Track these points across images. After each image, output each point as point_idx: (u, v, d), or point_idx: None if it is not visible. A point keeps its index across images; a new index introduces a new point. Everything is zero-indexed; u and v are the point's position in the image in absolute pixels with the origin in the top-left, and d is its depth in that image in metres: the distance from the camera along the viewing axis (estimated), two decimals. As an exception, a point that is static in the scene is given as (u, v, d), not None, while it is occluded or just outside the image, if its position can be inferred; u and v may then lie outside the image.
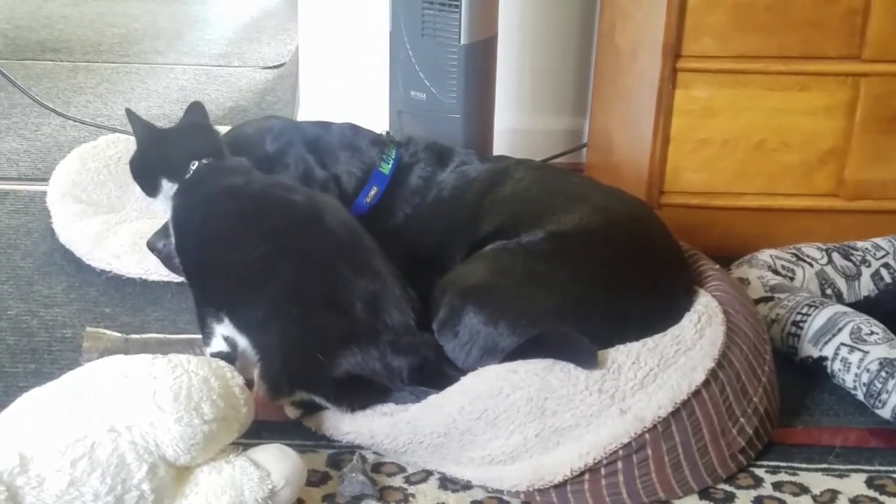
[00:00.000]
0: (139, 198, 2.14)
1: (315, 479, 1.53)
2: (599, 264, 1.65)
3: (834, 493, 1.55)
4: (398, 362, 1.57)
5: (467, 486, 1.54)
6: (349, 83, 2.62)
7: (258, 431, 1.52)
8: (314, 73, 2.66)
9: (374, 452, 1.60)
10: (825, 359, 1.77)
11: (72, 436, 1.30)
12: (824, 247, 2.04)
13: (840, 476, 1.59)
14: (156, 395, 1.34)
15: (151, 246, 1.87)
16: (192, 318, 1.72)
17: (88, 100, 2.96)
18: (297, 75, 2.77)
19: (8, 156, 2.58)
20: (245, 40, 3.59)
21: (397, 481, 1.55)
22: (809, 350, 1.79)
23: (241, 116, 2.80)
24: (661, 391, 1.51)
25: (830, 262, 2.01)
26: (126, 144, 2.29)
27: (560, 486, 1.50)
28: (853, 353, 1.72)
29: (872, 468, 1.61)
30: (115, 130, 2.65)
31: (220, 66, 3.31)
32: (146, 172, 1.76)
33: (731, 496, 1.54)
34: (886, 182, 2.14)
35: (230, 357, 1.62)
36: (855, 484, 1.57)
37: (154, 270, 2.00)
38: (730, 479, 1.57)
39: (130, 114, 1.80)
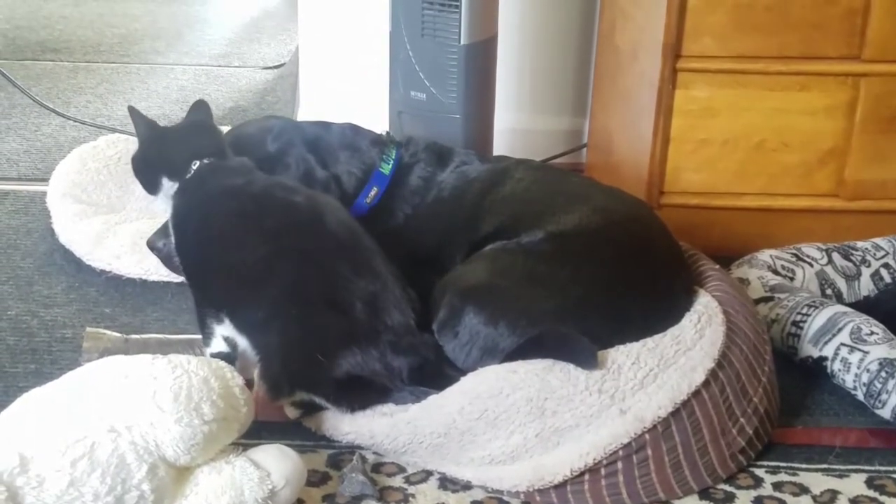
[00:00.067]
0: (139, 198, 2.15)
1: (315, 479, 1.53)
2: (599, 264, 1.65)
3: (834, 494, 1.55)
4: (398, 362, 1.57)
5: (467, 487, 1.54)
6: (349, 83, 2.62)
7: (258, 432, 1.52)
8: (314, 73, 2.66)
9: (374, 452, 1.60)
10: (825, 359, 1.77)
11: (72, 436, 1.30)
12: (824, 247, 2.04)
13: (840, 476, 1.59)
14: (156, 395, 1.34)
15: (151, 245, 1.87)
16: (192, 318, 1.72)
17: (88, 100, 2.96)
18: (297, 75, 2.77)
19: (8, 156, 2.58)
20: (245, 40, 3.59)
21: (397, 481, 1.55)
22: (809, 350, 1.79)
23: (242, 117, 2.80)
24: (661, 391, 1.51)
25: (830, 262, 2.01)
26: (126, 145, 2.29)
27: (560, 487, 1.50)
28: (853, 354, 1.72)
29: (872, 468, 1.61)
30: (115, 130, 2.65)
31: (220, 66, 3.31)
32: (147, 170, 1.76)
33: (731, 496, 1.54)
34: (886, 182, 2.14)
35: (230, 357, 1.62)
36: (855, 484, 1.57)
37: (154, 271, 2.00)
38: (730, 480, 1.57)
39: (133, 112, 1.80)
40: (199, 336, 1.68)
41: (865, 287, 2.00)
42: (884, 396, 1.67)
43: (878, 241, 2.06)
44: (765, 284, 1.90)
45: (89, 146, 2.33)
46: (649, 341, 1.57)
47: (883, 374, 1.68)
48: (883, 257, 2.03)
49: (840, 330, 1.75)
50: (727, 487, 1.56)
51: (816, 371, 1.79)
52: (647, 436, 1.49)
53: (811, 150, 2.11)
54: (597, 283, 1.62)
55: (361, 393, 1.57)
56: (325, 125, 1.96)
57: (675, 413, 1.51)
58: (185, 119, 1.83)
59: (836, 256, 2.02)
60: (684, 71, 2.05)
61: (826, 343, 1.76)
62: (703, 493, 1.54)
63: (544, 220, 1.72)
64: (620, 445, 1.49)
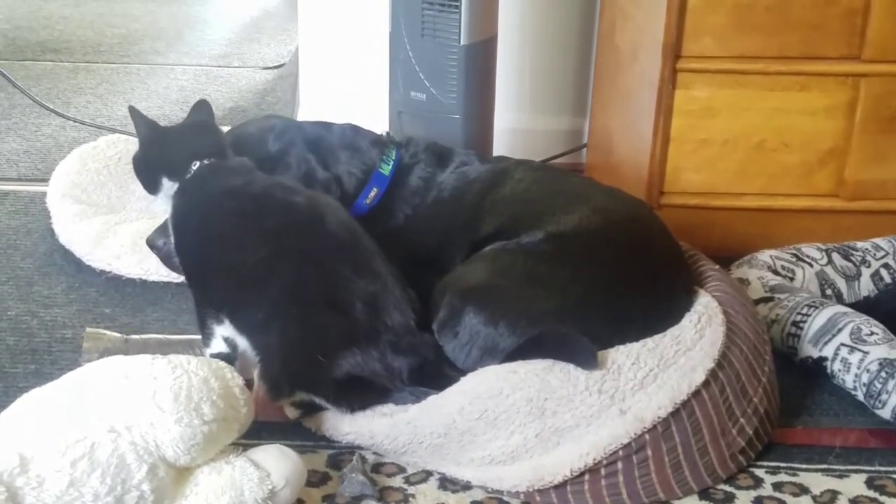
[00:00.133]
0: (139, 198, 2.15)
1: (315, 479, 1.53)
2: (599, 265, 1.65)
3: (834, 494, 1.55)
4: (398, 363, 1.57)
5: (467, 487, 1.54)
6: (349, 83, 2.62)
7: (258, 432, 1.52)
8: (314, 74, 2.66)
9: (374, 453, 1.60)
10: (825, 359, 1.77)
11: (72, 436, 1.30)
12: (824, 247, 2.04)
13: (840, 476, 1.59)
14: (156, 395, 1.34)
15: (151, 243, 1.87)
16: (192, 318, 1.72)
17: (88, 100, 2.96)
18: (297, 75, 2.77)
19: (8, 156, 2.58)
20: (245, 41, 3.59)
21: (397, 482, 1.55)
22: (809, 350, 1.79)
23: (241, 117, 2.80)
24: (661, 391, 1.51)
25: (830, 262, 2.01)
26: (126, 145, 2.29)
27: (560, 487, 1.50)
28: (853, 354, 1.72)
29: (872, 468, 1.61)
30: (115, 131, 2.65)
31: (220, 66, 3.31)
32: (148, 171, 1.76)
33: (731, 496, 1.54)
34: (886, 182, 2.14)
35: (230, 358, 1.62)
36: (855, 484, 1.57)
37: (154, 271, 2.00)
38: (730, 480, 1.57)
39: (134, 112, 1.80)
40: (199, 336, 1.68)
41: (865, 287, 2.00)
42: (884, 397, 1.67)
43: (878, 241, 2.06)
44: (765, 285, 1.90)
45: (89, 146, 2.33)
46: (649, 341, 1.57)
47: (883, 374, 1.68)
48: (883, 257, 2.03)
49: (840, 330, 1.75)
50: (727, 488, 1.56)
51: (816, 371, 1.79)
52: (647, 436, 1.49)
53: (811, 151, 2.11)
54: (597, 284, 1.62)
55: (361, 393, 1.57)
56: (326, 125, 1.96)
57: (675, 413, 1.51)
58: (187, 119, 1.83)
59: (836, 257, 2.02)
60: (684, 71, 2.05)
61: (826, 343, 1.76)
62: (703, 494, 1.54)
63: (544, 221, 1.72)
64: (620, 446, 1.49)
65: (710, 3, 2.00)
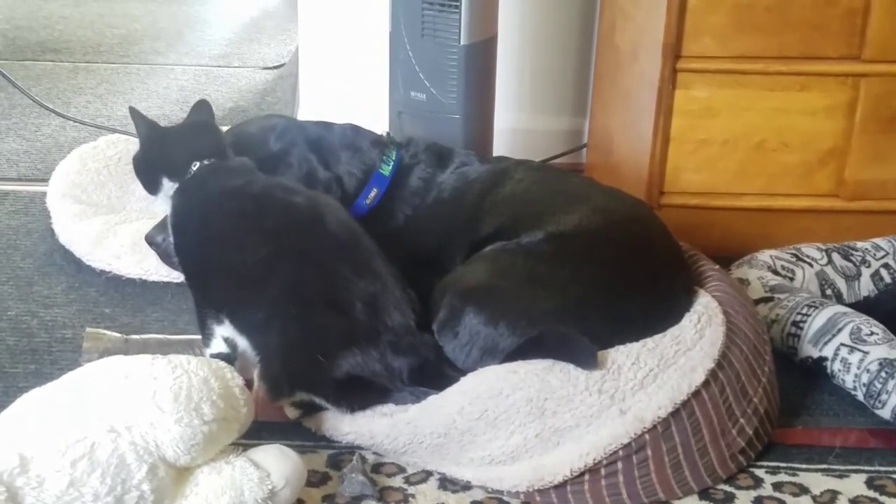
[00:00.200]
0: (139, 198, 2.15)
1: (315, 479, 1.53)
2: (599, 265, 1.65)
3: (834, 494, 1.55)
4: (398, 363, 1.57)
5: (467, 487, 1.54)
6: (349, 83, 2.62)
7: (258, 432, 1.52)
8: (314, 74, 2.66)
9: (374, 453, 1.60)
10: (825, 359, 1.77)
11: (72, 436, 1.30)
12: (824, 247, 2.04)
13: (840, 476, 1.59)
14: (156, 395, 1.34)
15: (150, 239, 1.87)
16: (192, 318, 1.72)
17: (88, 100, 2.96)
18: (297, 75, 2.77)
19: (8, 156, 2.58)
20: (245, 41, 3.59)
21: (397, 482, 1.55)
22: (809, 350, 1.79)
23: (241, 117, 2.80)
24: (661, 391, 1.51)
25: (830, 262, 2.01)
26: (126, 145, 2.29)
27: (560, 487, 1.50)
28: (853, 354, 1.72)
29: (872, 468, 1.61)
30: (115, 131, 2.65)
31: (220, 66, 3.31)
32: (148, 171, 1.76)
33: (731, 497, 1.54)
34: (886, 182, 2.14)
35: (230, 358, 1.62)
36: (855, 484, 1.57)
37: (154, 271, 2.00)
38: (730, 480, 1.57)
39: (134, 112, 1.80)
40: (199, 336, 1.68)
41: (865, 287, 2.00)
42: (884, 397, 1.67)
43: (878, 241, 2.06)
44: (765, 285, 1.90)
45: (89, 146, 2.33)
46: (649, 341, 1.57)
47: (883, 374, 1.68)
48: (883, 258, 2.03)
49: (840, 330, 1.76)
50: (727, 488, 1.56)
51: (816, 371, 1.79)
52: (647, 436, 1.49)
53: (811, 151, 2.11)
54: (597, 284, 1.62)
55: (361, 393, 1.57)
56: (327, 125, 1.96)
57: (675, 413, 1.51)
58: (187, 119, 1.83)
59: (835, 257, 2.02)
60: (684, 71, 2.05)
61: (826, 343, 1.76)
62: (703, 494, 1.54)
63: (544, 221, 1.72)
64: (620, 446, 1.49)
65: (710, 3, 2.00)
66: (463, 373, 1.57)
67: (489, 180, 1.86)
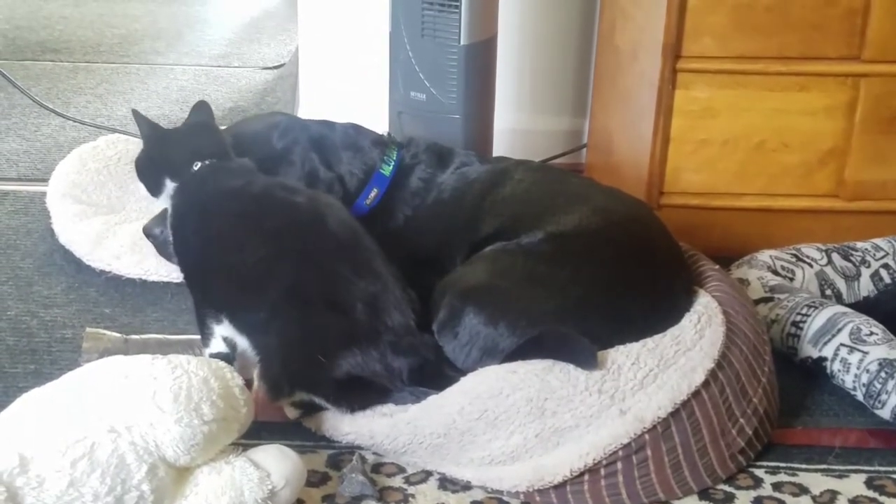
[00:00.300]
0: (139, 198, 2.14)
1: (315, 479, 1.53)
2: (599, 265, 1.65)
3: (833, 494, 1.55)
4: (398, 363, 1.57)
5: (467, 487, 1.54)
6: (349, 83, 2.62)
7: (258, 432, 1.52)
8: (314, 74, 2.66)
9: (374, 453, 1.60)
10: (825, 359, 1.77)
11: (72, 436, 1.30)
12: (824, 247, 2.04)
13: (840, 476, 1.59)
14: (156, 395, 1.34)
15: (148, 231, 1.87)
16: (192, 318, 1.72)
17: (88, 100, 2.96)
18: (297, 75, 2.77)
19: (8, 156, 2.58)
20: (245, 41, 3.59)
21: (397, 482, 1.55)
22: (809, 350, 1.79)
23: (241, 117, 2.79)
24: (661, 392, 1.51)
25: (830, 262, 2.01)
26: (126, 145, 2.30)
27: (560, 487, 1.50)
28: (853, 354, 1.72)
29: (872, 469, 1.61)
30: (115, 131, 2.65)
31: (220, 66, 3.31)
32: (150, 172, 1.76)
33: (731, 497, 1.54)
34: (886, 182, 2.14)
35: (229, 358, 1.62)
36: (854, 484, 1.57)
37: (154, 271, 2.00)
38: (729, 480, 1.57)
39: (137, 114, 1.80)
40: (199, 336, 1.68)
41: (865, 287, 2.00)
42: (883, 397, 1.67)
43: (878, 241, 2.06)
44: (764, 285, 1.90)
45: (89, 146, 2.33)
46: (649, 342, 1.57)
47: (882, 374, 1.68)
48: (882, 258, 2.03)
49: (840, 330, 1.76)
50: (727, 488, 1.56)
51: (816, 371, 1.79)
52: (646, 436, 1.49)
53: (811, 151, 2.11)
54: (597, 284, 1.62)
55: (361, 393, 1.58)
56: (329, 124, 1.96)
57: (675, 413, 1.51)
58: (187, 120, 1.83)
59: (835, 257, 2.02)
60: (684, 71, 2.05)
61: (826, 343, 1.76)
62: (703, 494, 1.54)
63: (544, 221, 1.72)
64: (620, 446, 1.49)
65: (710, 3, 2.00)
66: (463, 373, 1.57)
67: (489, 180, 1.86)
